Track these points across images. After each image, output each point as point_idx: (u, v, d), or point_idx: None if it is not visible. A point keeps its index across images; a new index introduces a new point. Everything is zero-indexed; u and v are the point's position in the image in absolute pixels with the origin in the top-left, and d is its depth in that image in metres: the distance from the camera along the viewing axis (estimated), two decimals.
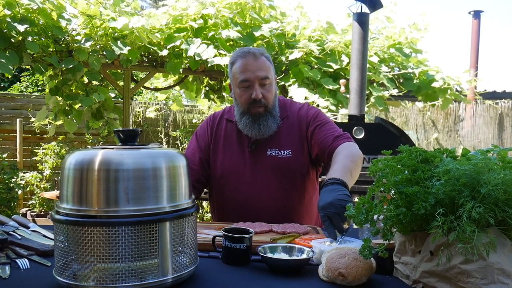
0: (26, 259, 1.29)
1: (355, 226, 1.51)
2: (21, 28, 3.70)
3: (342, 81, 4.29)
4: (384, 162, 1.20)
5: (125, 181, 1.05)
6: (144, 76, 5.35)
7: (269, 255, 1.29)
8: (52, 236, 1.47)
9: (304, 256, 1.30)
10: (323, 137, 1.88)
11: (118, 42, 4.08)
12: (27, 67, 4.60)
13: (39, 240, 1.45)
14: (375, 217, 1.17)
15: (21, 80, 10.58)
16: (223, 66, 4.13)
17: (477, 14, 9.01)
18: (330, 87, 4.39)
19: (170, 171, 1.12)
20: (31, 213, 5.94)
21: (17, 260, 1.27)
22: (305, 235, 1.56)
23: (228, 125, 2.00)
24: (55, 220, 1.08)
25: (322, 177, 1.92)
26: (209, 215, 6.44)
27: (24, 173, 6.08)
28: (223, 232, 1.33)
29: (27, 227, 1.56)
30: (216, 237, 1.39)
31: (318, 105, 4.24)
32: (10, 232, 1.49)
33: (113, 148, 1.10)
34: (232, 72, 1.92)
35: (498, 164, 1.11)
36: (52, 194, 5.35)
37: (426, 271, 1.09)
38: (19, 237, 1.46)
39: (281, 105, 1.99)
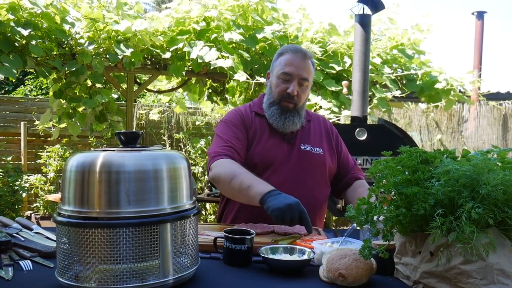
0: (29, 261, 1.30)
1: (356, 227, 1.51)
2: (25, 32, 3.72)
3: (344, 82, 4.29)
4: (384, 163, 1.20)
5: (126, 183, 1.05)
6: (147, 78, 5.36)
7: (270, 256, 1.30)
8: (55, 237, 1.48)
9: (305, 257, 1.31)
10: (347, 164, 2.12)
11: (121, 45, 4.09)
12: (31, 70, 4.63)
13: (42, 242, 1.46)
14: (375, 218, 1.18)
15: (26, 84, 10.63)
16: (226, 68, 4.13)
17: (480, 15, 8.98)
18: (333, 88, 4.39)
19: (171, 173, 1.12)
20: (36, 216, 5.96)
21: (20, 262, 1.28)
22: (307, 236, 1.57)
23: (260, 119, 2.02)
24: (57, 222, 1.09)
25: None
26: (213, 217, 6.45)
27: (28, 176, 6.10)
28: (224, 233, 1.34)
29: (30, 229, 1.57)
30: (218, 238, 1.39)
31: (320, 107, 4.24)
32: (14, 234, 1.50)
33: (114, 150, 1.11)
34: (276, 61, 1.99)
35: (498, 164, 1.11)
36: (56, 197, 5.37)
37: (426, 272, 1.09)
38: (22, 239, 1.47)
39: (305, 110, 2.09)
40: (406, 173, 1.16)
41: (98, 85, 4.75)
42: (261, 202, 1.58)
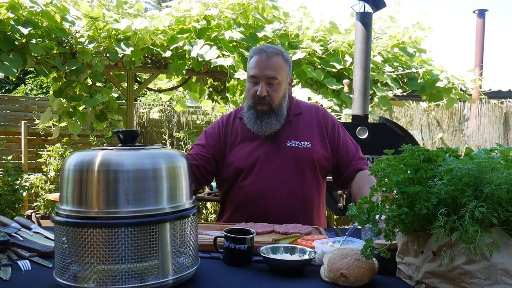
0: (27, 261, 1.29)
1: (357, 227, 1.50)
2: (25, 30, 3.70)
3: (345, 81, 4.27)
4: (386, 161, 1.19)
5: (125, 182, 1.04)
6: (148, 77, 5.35)
7: (271, 255, 1.28)
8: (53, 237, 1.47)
9: (306, 256, 1.29)
10: (347, 155, 2.05)
11: (122, 43, 4.08)
12: (31, 69, 4.61)
13: (41, 242, 1.45)
14: (377, 217, 1.17)
15: (26, 83, 10.62)
16: (226, 67, 4.12)
17: (481, 13, 8.96)
18: (334, 87, 4.37)
19: (170, 172, 1.11)
20: (36, 215, 5.95)
21: (19, 262, 1.27)
22: (307, 236, 1.56)
23: (243, 123, 2.03)
24: (55, 222, 1.08)
25: None
26: (213, 216, 6.44)
27: (28, 175, 6.10)
28: (225, 233, 1.33)
29: (29, 229, 1.56)
30: (218, 238, 1.38)
31: (321, 106, 4.23)
32: (12, 234, 1.49)
33: (112, 149, 1.10)
34: (248, 66, 2.01)
35: (502, 163, 1.09)
36: (57, 196, 5.36)
37: (428, 272, 1.08)
38: (21, 239, 1.46)
39: (295, 103, 2.08)
40: (408, 172, 1.14)
41: (98, 84, 4.74)
42: None
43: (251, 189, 1.93)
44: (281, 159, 1.95)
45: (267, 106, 1.93)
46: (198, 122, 7.29)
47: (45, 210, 6.06)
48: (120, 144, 1.17)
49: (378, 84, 4.75)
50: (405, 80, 4.98)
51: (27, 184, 5.93)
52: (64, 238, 1.07)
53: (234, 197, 1.99)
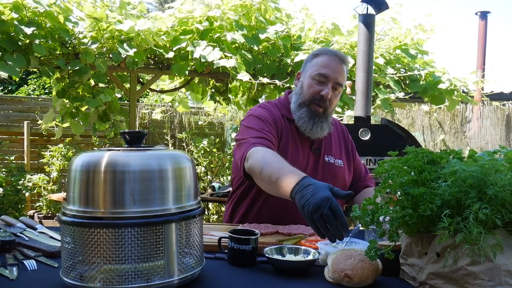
0: (33, 260, 1.30)
1: (361, 228, 1.51)
2: (28, 31, 3.72)
3: (348, 82, 4.27)
4: (390, 163, 1.19)
5: (131, 183, 1.05)
6: (150, 78, 5.36)
7: (275, 256, 1.29)
8: (59, 237, 1.48)
9: (310, 257, 1.30)
10: (360, 173, 2.07)
11: (124, 44, 4.09)
12: (34, 69, 4.63)
13: (46, 242, 1.46)
14: (381, 218, 1.17)
15: (29, 83, 10.65)
16: (229, 68, 4.13)
17: (484, 15, 8.96)
18: None
19: (176, 173, 1.12)
20: (38, 215, 5.97)
21: (25, 261, 1.28)
22: (311, 237, 1.56)
23: (288, 124, 1.92)
24: (61, 222, 1.09)
25: None
26: (215, 216, 6.44)
27: (31, 175, 6.12)
28: (229, 234, 1.34)
29: (34, 229, 1.57)
30: (222, 239, 1.39)
31: None
32: (18, 234, 1.50)
33: (119, 149, 1.11)
34: (311, 62, 1.90)
35: (505, 165, 1.10)
36: (59, 196, 5.38)
37: (432, 273, 1.08)
38: (27, 239, 1.47)
39: None
40: (412, 173, 1.15)
41: (101, 85, 4.76)
42: (292, 199, 1.34)
43: (281, 200, 1.66)
44: (322, 173, 1.88)
45: (322, 109, 1.86)
46: (200, 123, 7.31)
47: (48, 210, 6.08)
48: (126, 145, 1.18)
49: (381, 86, 4.76)
50: (407, 82, 4.98)
51: (30, 184, 5.95)
52: (70, 238, 1.07)
53: (268, 200, 1.83)
